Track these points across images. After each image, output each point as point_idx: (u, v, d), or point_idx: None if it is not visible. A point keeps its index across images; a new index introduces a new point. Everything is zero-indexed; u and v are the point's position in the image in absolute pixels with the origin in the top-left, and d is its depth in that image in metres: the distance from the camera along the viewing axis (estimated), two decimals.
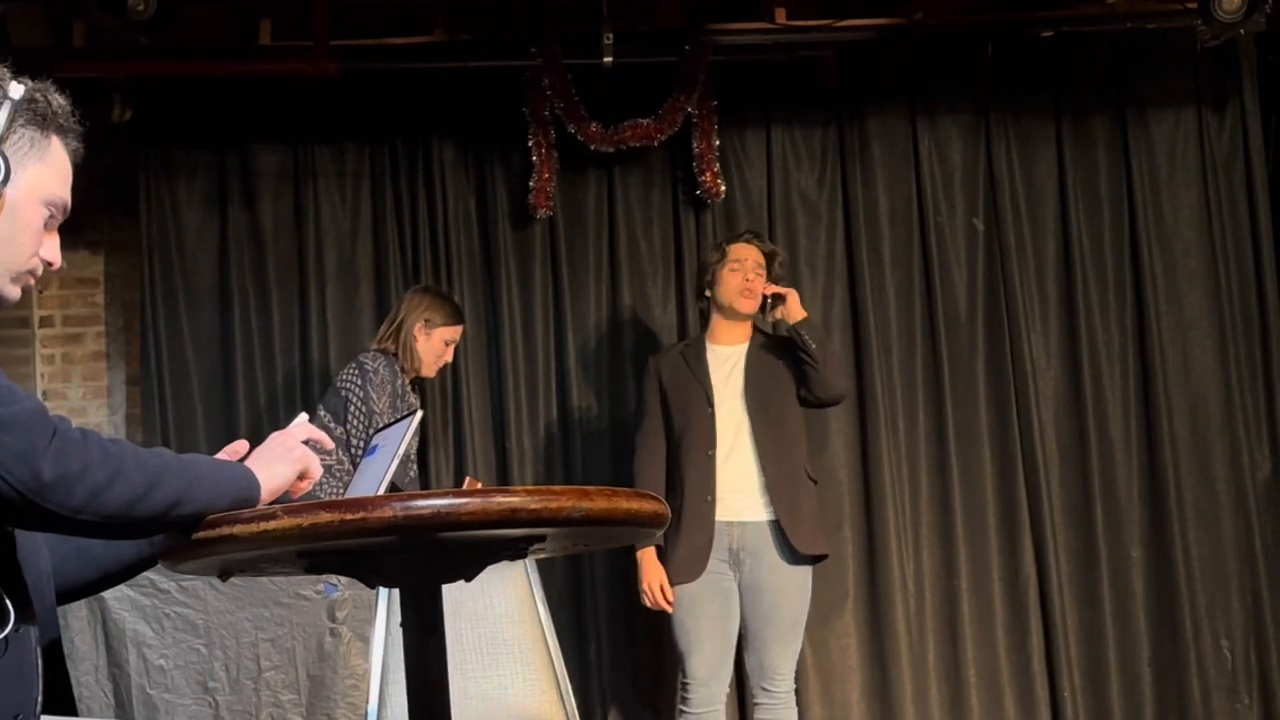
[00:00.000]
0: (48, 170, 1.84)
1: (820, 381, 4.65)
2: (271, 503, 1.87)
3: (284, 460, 1.92)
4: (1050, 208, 5.77)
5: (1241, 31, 5.12)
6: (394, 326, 4.85)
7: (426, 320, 4.84)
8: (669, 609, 4.58)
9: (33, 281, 1.85)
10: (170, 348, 5.53)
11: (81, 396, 5.82)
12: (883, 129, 5.77)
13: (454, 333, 4.92)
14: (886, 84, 5.75)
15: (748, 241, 4.83)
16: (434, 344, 4.86)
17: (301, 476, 1.95)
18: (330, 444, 2.04)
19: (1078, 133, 5.80)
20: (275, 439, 1.96)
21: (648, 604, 4.61)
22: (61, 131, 1.86)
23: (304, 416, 2.05)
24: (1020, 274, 5.70)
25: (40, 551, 1.90)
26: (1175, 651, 5.57)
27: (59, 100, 1.86)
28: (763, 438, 4.62)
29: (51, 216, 1.85)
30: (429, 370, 4.91)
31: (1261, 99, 5.83)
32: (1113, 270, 5.75)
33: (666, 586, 4.56)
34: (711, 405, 4.66)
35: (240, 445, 2.01)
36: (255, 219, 5.62)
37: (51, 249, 1.86)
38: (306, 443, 1.98)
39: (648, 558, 4.60)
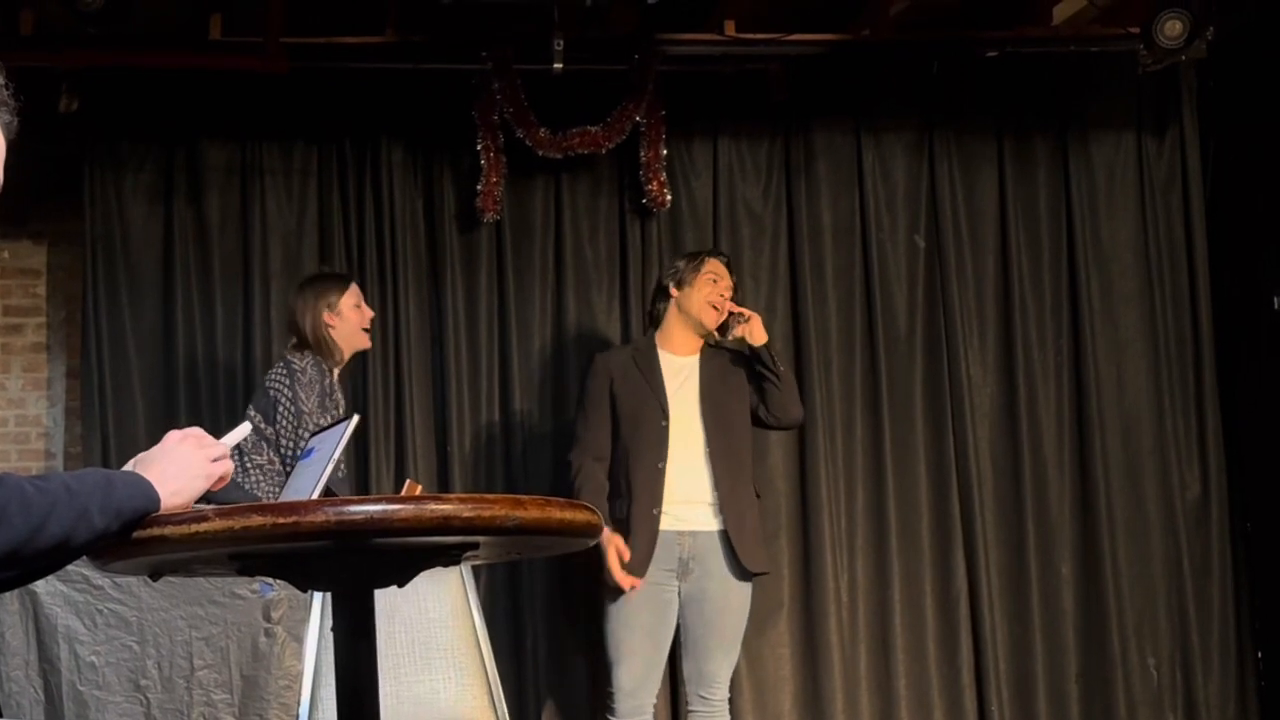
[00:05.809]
0: None
1: (780, 403, 4.68)
2: (201, 502, 1.86)
3: (191, 476, 1.84)
4: (990, 226, 5.84)
5: (1183, 58, 5.22)
6: (302, 334, 4.64)
7: (328, 305, 4.63)
8: (638, 584, 4.50)
9: None
10: (112, 341, 5.49)
11: (21, 388, 5.78)
12: (828, 144, 5.82)
13: (355, 293, 4.74)
14: (833, 99, 5.80)
15: (723, 261, 4.83)
16: (348, 317, 4.66)
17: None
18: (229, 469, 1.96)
19: (1019, 153, 5.86)
20: (190, 454, 1.86)
21: (621, 584, 4.52)
22: None
23: (246, 426, 2.01)
24: (959, 291, 5.76)
25: None
26: (1103, 668, 5.63)
27: None
28: (716, 451, 4.63)
29: None
30: (362, 341, 4.74)
31: (1201, 125, 5.91)
32: (1050, 290, 5.82)
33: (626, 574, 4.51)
34: (666, 418, 4.64)
35: None
36: (201, 214, 5.59)
37: None
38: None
39: (613, 544, 4.51)
